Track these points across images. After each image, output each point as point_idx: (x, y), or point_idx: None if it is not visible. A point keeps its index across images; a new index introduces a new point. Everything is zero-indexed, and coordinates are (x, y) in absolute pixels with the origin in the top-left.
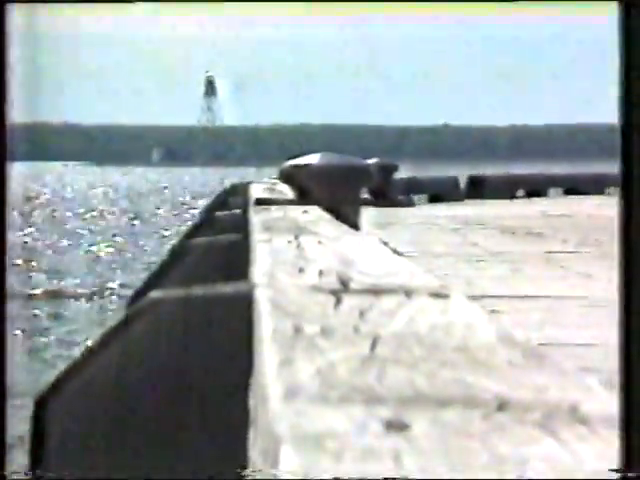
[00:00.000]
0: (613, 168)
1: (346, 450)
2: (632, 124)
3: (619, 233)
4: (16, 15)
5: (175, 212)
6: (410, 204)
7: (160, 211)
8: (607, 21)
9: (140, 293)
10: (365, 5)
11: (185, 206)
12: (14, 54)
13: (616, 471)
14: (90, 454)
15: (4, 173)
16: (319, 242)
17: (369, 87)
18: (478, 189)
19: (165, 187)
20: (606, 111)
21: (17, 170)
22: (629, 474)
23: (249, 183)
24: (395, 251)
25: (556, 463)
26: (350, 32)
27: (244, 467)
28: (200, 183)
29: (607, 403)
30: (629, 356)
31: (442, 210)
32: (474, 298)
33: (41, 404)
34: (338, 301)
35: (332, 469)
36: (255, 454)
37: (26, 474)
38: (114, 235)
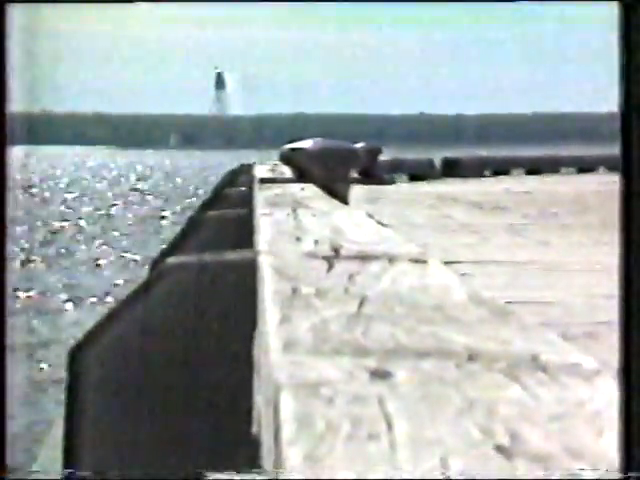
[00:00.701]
0: (566, 150)
1: (337, 396)
2: (632, 124)
3: (620, 221)
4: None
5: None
6: (392, 182)
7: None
8: (561, 16)
9: (161, 258)
10: (364, 5)
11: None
12: (15, 54)
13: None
14: (119, 397)
15: (4, 167)
16: (314, 215)
17: (357, 82)
18: (451, 169)
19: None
20: (562, 101)
21: (58, 153)
22: (629, 474)
23: (253, 164)
24: (380, 223)
25: (520, 406)
26: (341, 35)
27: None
28: (211, 164)
29: (564, 353)
30: (629, 355)
31: (420, 187)
32: (448, 263)
33: (75, 354)
34: (330, 266)
35: (325, 413)
36: (259, 399)
37: (26, 474)
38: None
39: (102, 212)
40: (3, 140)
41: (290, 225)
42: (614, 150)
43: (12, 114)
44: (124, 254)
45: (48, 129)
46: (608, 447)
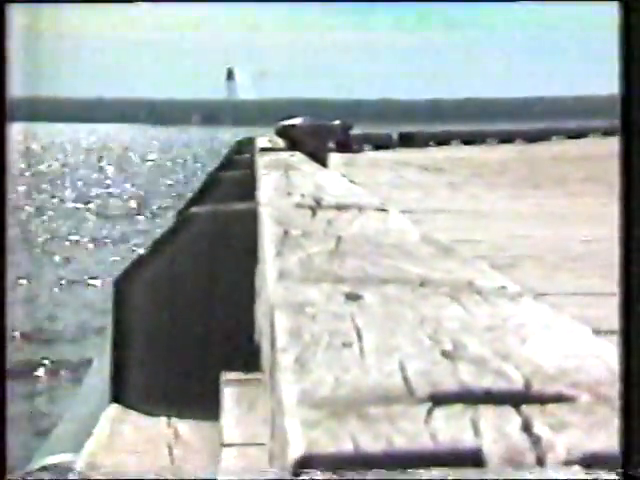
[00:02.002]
0: (491, 127)
1: (319, 314)
2: (632, 124)
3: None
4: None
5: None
6: (361, 151)
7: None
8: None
9: (184, 209)
10: (364, 5)
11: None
12: (16, 52)
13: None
14: (156, 314)
15: (4, 157)
16: (301, 175)
17: (336, 73)
18: (405, 141)
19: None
20: (493, 88)
21: (114, 129)
22: (629, 474)
23: (255, 137)
24: (351, 181)
25: (460, 320)
26: (324, 37)
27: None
28: (225, 137)
29: (493, 279)
30: (629, 355)
31: (381, 155)
32: (403, 212)
33: (119, 285)
34: (313, 214)
35: (309, 327)
36: (259, 316)
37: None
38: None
39: None
40: (3, 131)
41: (283, 183)
42: (527, 126)
43: (73, 100)
44: None
45: (101, 110)
46: (529, 352)
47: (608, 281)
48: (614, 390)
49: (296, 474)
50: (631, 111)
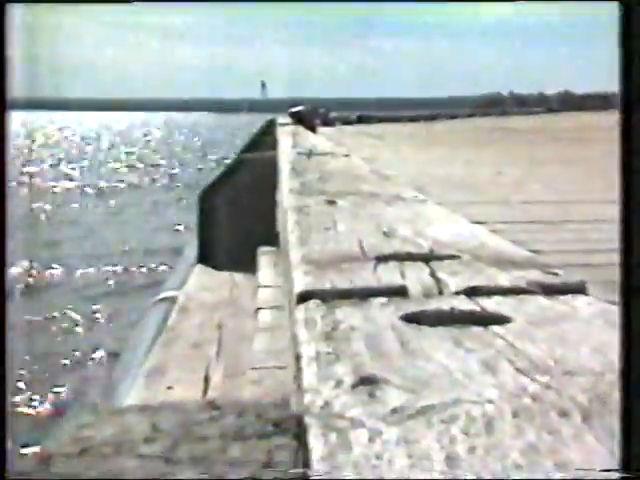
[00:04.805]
0: (406, 113)
1: (312, 211)
2: (632, 124)
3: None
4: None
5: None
6: (335, 126)
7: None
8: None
9: (238, 155)
10: (365, 5)
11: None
12: (17, 50)
13: (616, 471)
14: (222, 214)
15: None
16: (302, 138)
17: (326, 82)
18: (361, 120)
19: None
20: (435, 89)
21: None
22: (628, 474)
23: (277, 118)
24: (330, 140)
25: (393, 215)
26: (313, 55)
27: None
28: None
29: (411, 193)
30: (629, 357)
31: (347, 128)
32: (360, 158)
33: (201, 197)
34: (309, 158)
35: (306, 219)
36: (279, 214)
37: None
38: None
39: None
40: (3, 132)
41: (291, 141)
42: (426, 112)
43: (174, 99)
44: None
45: (190, 105)
46: (433, 232)
47: (477, 195)
48: (484, 252)
49: (299, 302)
50: (631, 112)
